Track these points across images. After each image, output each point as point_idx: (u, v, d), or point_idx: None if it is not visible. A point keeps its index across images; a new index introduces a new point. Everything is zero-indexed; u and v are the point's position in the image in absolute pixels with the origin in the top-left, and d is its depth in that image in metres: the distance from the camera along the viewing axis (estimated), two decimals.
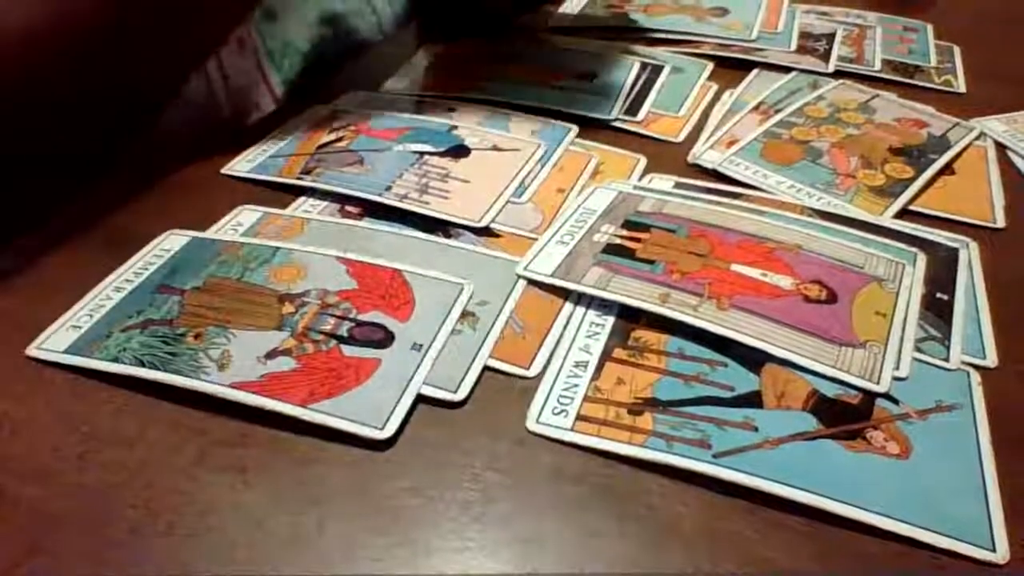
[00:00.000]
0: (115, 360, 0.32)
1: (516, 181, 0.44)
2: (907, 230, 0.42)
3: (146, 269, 0.37)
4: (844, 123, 0.51)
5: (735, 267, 0.38)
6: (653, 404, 0.31)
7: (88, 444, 0.29)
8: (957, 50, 0.64)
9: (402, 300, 0.35)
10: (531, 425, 0.31)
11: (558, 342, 0.34)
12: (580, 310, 0.36)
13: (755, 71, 0.59)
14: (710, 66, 0.59)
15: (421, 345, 0.33)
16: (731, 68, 0.59)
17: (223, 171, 0.45)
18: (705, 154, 0.48)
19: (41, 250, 0.38)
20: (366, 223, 0.41)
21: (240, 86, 0.52)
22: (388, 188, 0.42)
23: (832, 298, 0.36)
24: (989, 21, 0.71)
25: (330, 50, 0.59)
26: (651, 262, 0.38)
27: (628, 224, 0.41)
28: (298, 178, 0.44)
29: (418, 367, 0.32)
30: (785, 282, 0.37)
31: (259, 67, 0.53)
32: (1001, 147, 0.51)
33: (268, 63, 0.54)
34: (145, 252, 0.38)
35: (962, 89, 0.59)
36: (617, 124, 0.51)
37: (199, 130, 0.49)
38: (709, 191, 0.45)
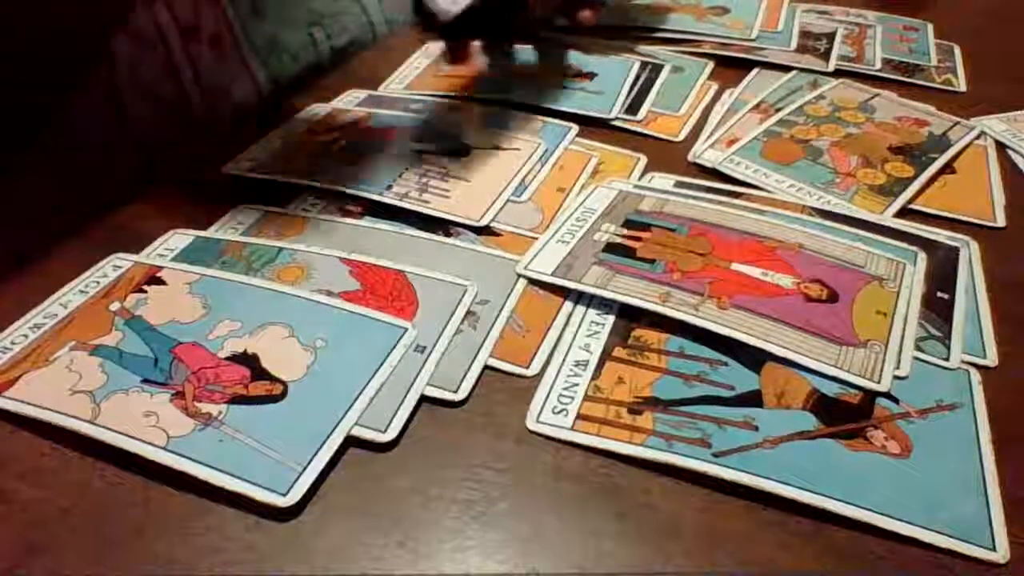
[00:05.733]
0: None
1: (516, 180, 0.44)
2: (907, 229, 0.42)
3: None
4: (844, 122, 0.51)
5: (736, 266, 0.38)
6: (653, 403, 0.31)
7: (88, 443, 0.29)
8: (957, 49, 0.64)
9: (406, 302, 0.35)
10: (531, 424, 0.31)
11: (558, 341, 0.34)
12: (580, 309, 0.36)
13: (755, 70, 0.59)
14: (710, 65, 0.59)
15: (424, 347, 0.33)
16: (731, 67, 0.59)
17: (223, 169, 0.45)
18: (705, 153, 0.48)
19: (45, 250, 0.38)
20: (366, 221, 0.41)
21: (218, 84, 0.51)
22: (389, 187, 0.42)
23: (833, 297, 0.36)
24: (989, 20, 0.71)
25: (324, 49, 0.59)
26: (652, 261, 0.38)
27: (628, 223, 0.40)
28: (298, 176, 0.44)
29: (421, 369, 0.32)
30: (786, 281, 0.37)
31: (243, 63, 0.53)
32: (1001, 146, 0.51)
33: (254, 59, 0.54)
34: (149, 252, 0.38)
35: (962, 88, 0.59)
36: (617, 123, 0.51)
37: (187, 129, 0.49)
38: (709, 190, 0.45)
